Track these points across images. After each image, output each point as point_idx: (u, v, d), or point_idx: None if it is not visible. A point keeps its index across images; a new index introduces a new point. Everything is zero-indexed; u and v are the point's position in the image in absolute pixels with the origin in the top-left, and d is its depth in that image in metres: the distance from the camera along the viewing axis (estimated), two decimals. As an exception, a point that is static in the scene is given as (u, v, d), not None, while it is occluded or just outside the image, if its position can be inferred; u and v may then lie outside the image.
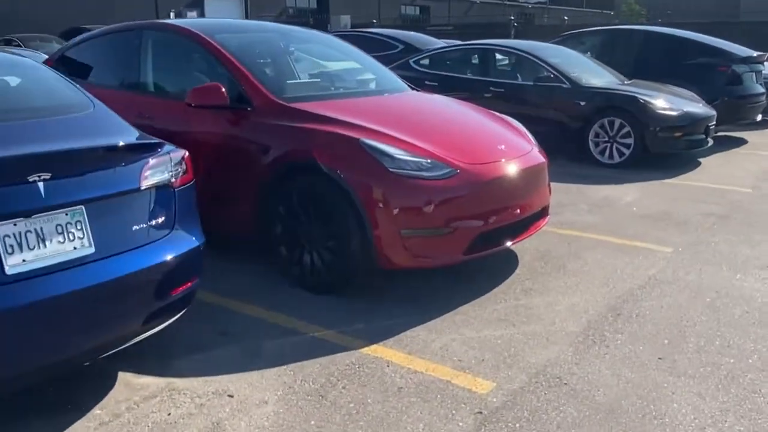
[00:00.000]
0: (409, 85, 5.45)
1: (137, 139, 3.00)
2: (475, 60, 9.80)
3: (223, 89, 4.32)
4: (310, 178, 4.07)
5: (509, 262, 4.65)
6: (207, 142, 4.53)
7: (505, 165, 4.19)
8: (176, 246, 2.96)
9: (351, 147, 3.95)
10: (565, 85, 8.31)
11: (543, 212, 4.60)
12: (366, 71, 5.67)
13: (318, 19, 37.35)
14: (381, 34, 12.40)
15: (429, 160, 3.92)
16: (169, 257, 2.90)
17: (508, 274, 4.44)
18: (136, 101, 4.94)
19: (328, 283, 4.10)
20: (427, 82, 8.92)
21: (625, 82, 8.83)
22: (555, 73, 8.44)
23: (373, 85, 5.44)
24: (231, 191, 4.45)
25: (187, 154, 3.16)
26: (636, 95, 7.98)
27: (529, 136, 4.83)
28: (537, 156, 4.55)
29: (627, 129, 7.88)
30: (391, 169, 3.84)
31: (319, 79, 5.45)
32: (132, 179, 2.80)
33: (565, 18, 32.62)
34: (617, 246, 5.07)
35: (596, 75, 8.79)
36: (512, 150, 4.38)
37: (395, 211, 3.81)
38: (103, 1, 27.05)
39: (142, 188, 2.83)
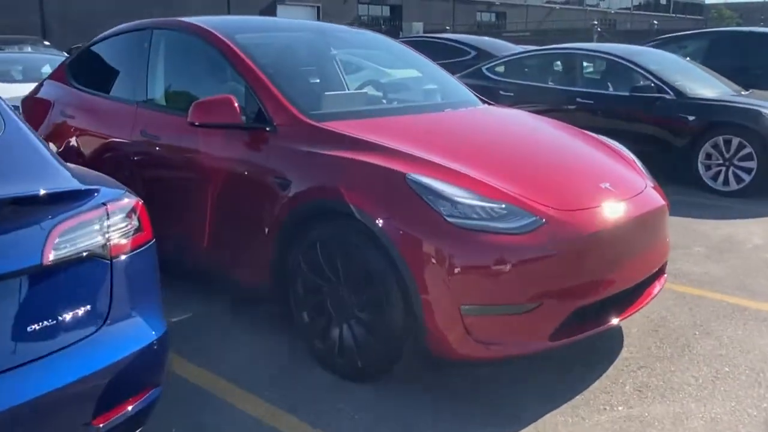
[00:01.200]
0: (480, 98, 4.31)
1: (51, 183, 1.97)
2: (558, 67, 8.53)
3: (236, 103, 3.30)
4: (338, 224, 3.00)
5: (612, 338, 3.43)
6: (216, 169, 3.53)
7: (612, 211, 2.99)
8: (111, 347, 1.94)
9: (393, 184, 2.85)
10: (668, 96, 6.95)
11: (659, 272, 3.37)
12: (427, 81, 4.56)
13: (391, 26, 36.57)
14: (451, 39, 11.24)
15: (503, 205, 2.78)
16: (94, 367, 1.87)
17: (610, 359, 3.23)
18: (141, 116, 4.01)
19: (360, 369, 3.01)
20: (502, 93, 7.75)
21: (742, 93, 7.39)
22: (656, 81, 7.08)
23: (434, 99, 4.32)
24: (242, 233, 3.43)
25: (139, 203, 2.13)
26: (760, 109, 6.56)
27: (641, 167, 3.60)
28: (653, 197, 3.31)
29: (748, 150, 6.47)
30: (448, 218, 2.71)
31: (364, 91, 4.38)
32: (30, 251, 1.79)
33: (655, 22, 30.52)
34: (757, 314, 3.77)
35: (706, 84, 7.37)
36: (620, 189, 3.16)
37: (453, 278, 2.68)
38: (173, 6, 26.97)
39: (49, 263, 1.81)
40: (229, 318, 3.73)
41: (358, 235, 2.90)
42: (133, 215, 2.09)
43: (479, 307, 2.72)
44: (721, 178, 6.66)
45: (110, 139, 4.15)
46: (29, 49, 15.61)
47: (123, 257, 2.01)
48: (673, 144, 6.88)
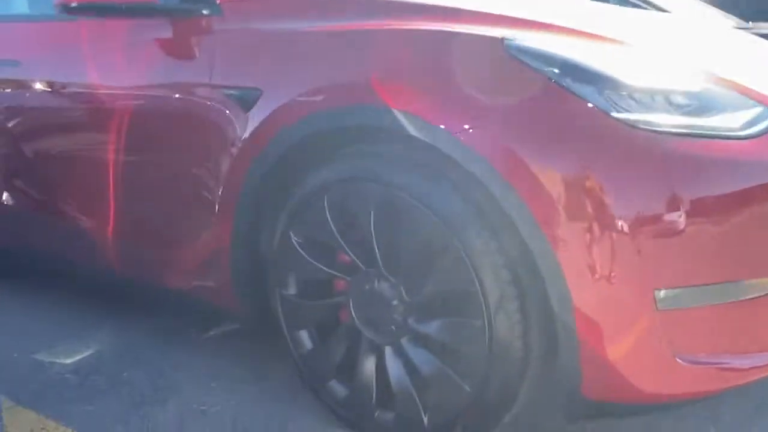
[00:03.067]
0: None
1: None
2: None
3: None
4: (371, 154, 1.55)
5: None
6: (118, 101, 2.02)
7: None
8: None
9: (492, 60, 1.42)
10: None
11: None
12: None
13: None
14: None
15: (727, 91, 1.41)
16: None
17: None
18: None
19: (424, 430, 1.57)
20: None
21: (749, 25, 6.32)
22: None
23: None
24: (176, 207, 1.94)
25: None
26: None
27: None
28: None
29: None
30: (616, 116, 1.31)
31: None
32: None
33: None
34: None
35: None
36: None
37: (639, 235, 1.29)
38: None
39: None
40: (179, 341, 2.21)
41: (414, 169, 1.47)
42: None
43: (688, 290, 1.33)
44: None
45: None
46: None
47: None
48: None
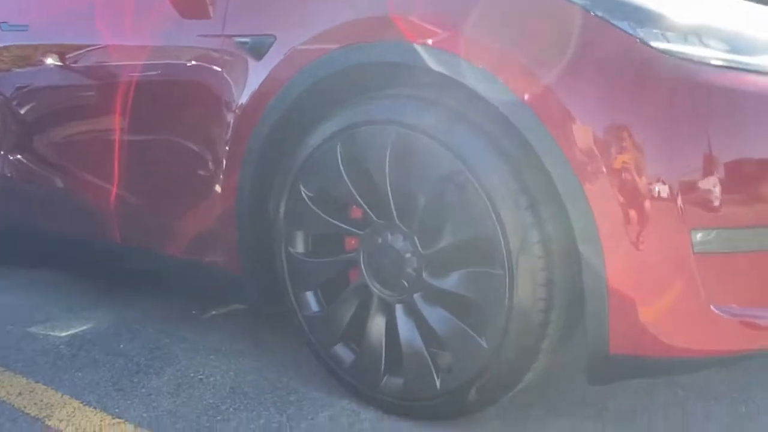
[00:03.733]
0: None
1: None
2: None
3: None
4: (380, 96, 1.48)
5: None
6: (122, 59, 1.98)
7: None
8: None
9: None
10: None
11: None
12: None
13: None
14: None
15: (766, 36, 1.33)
16: None
17: None
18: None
19: (433, 396, 1.46)
20: None
21: None
22: None
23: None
24: (181, 166, 1.86)
25: None
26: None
27: None
28: None
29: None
30: (654, 45, 1.24)
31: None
32: None
33: None
34: None
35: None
36: None
37: (673, 167, 1.21)
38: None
39: None
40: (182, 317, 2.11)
41: (434, 109, 1.40)
42: None
43: (725, 232, 1.24)
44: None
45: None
46: None
47: None
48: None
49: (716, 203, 1.21)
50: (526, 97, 1.27)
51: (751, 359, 1.60)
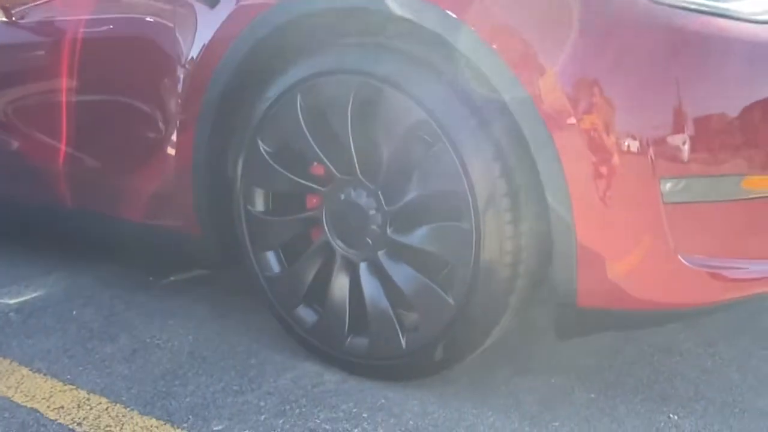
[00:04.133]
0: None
1: None
2: None
3: None
4: (343, 45, 1.41)
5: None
6: (65, 14, 1.88)
7: None
8: None
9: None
10: None
11: None
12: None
13: None
14: None
15: None
16: None
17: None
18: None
19: (401, 357, 1.43)
20: None
21: None
22: None
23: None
24: (133, 124, 1.77)
25: None
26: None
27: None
28: None
29: None
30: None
31: None
32: None
33: None
34: None
35: None
36: None
37: (642, 114, 1.18)
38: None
39: None
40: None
41: (398, 58, 1.34)
42: None
43: (695, 180, 1.21)
44: None
45: None
46: None
47: None
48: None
49: (685, 151, 1.18)
50: (494, 45, 1.22)
51: (717, 314, 1.60)
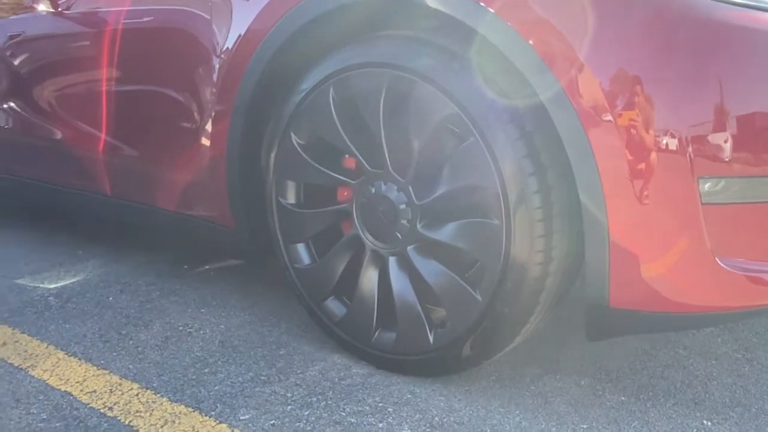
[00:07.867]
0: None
1: None
2: None
3: None
4: (377, 38, 1.39)
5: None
6: (105, 9, 1.90)
7: None
8: None
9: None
10: None
11: None
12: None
13: None
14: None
15: None
16: None
17: None
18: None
19: (427, 352, 1.41)
20: None
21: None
22: None
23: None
24: (171, 117, 1.79)
25: None
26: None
27: None
28: None
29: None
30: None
31: None
32: None
33: None
34: None
35: None
36: None
37: (681, 111, 1.14)
38: None
39: None
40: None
41: (432, 52, 1.32)
42: None
43: (734, 181, 1.17)
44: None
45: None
46: None
47: None
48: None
49: (726, 150, 1.14)
50: (530, 40, 1.20)
51: (755, 318, 1.55)
